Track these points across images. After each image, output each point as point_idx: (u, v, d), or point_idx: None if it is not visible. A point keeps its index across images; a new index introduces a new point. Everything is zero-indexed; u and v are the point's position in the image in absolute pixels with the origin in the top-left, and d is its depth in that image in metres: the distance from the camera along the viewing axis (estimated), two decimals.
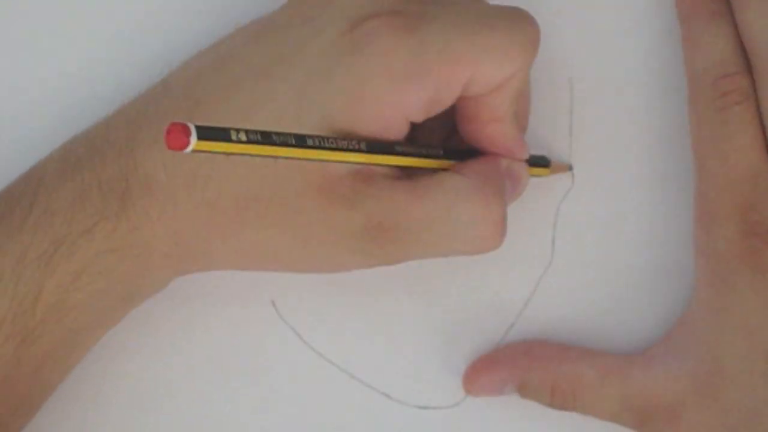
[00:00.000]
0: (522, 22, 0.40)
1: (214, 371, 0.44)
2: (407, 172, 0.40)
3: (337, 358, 0.44)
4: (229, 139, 0.33)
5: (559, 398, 0.42)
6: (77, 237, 0.39)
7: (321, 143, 0.36)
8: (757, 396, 0.40)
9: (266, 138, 0.34)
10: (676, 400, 0.41)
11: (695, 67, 0.43)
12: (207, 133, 0.32)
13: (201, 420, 0.44)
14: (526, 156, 0.42)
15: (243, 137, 0.33)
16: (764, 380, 0.40)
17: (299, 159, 0.36)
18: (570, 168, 0.45)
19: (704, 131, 0.43)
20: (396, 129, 0.39)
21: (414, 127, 0.40)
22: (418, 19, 0.39)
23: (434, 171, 0.40)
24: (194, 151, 0.31)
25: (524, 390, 0.43)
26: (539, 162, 0.44)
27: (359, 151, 0.38)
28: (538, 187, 0.44)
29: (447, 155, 0.41)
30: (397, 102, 0.38)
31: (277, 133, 0.34)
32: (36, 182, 0.40)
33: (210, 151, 0.32)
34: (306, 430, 0.44)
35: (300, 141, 0.35)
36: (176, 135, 0.31)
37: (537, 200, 0.45)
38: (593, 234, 0.45)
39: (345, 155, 0.37)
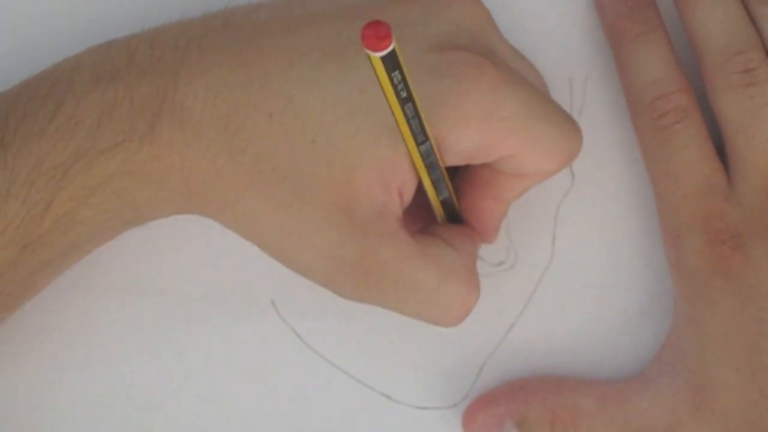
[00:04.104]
0: (576, 135, 0.40)
1: (213, 371, 0.44)
2: (404, 224, 0.39)
3: (337, 358, 0.44)
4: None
5: (559, 429, 0.42)
6: (98, 154, 0.38)
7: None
8: (749, 401, 0.41)
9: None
10: (675, 418, 0.41)
11: (631, 90, 0.43)
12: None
13: (201, 420, 0.44)
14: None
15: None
16: (752, 384, 0.40)
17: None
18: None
19: (651, 152, 0.43)
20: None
21: None
22: (501, 77, 0.38)
23: (431, 227, 0.40)
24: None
25: (524, 424, 0.42)
26: None
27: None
28: (538, 186, 0.44)
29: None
30: (446, 137, 0.38)
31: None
32: (65, 85, 0.38)
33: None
34: (306, 430, 0.44)
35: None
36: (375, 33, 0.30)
37: (537, 200, 0.45)
38: (593, 234, 0.45)
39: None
